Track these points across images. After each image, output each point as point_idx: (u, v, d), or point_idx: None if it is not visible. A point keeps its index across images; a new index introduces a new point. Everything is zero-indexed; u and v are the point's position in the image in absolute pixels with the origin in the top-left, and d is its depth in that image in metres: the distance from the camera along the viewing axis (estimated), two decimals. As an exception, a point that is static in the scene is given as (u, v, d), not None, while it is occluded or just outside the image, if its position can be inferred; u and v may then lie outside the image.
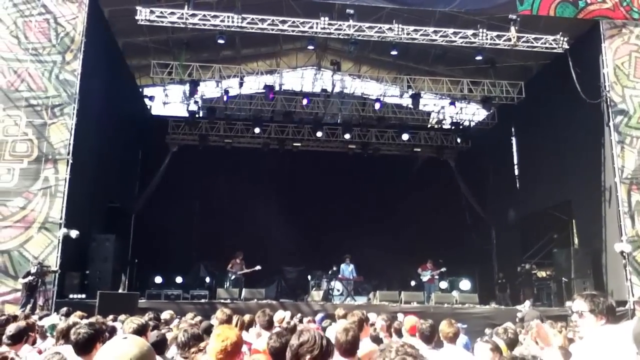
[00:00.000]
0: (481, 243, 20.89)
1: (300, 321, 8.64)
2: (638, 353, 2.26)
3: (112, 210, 17.04)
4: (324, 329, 7.81)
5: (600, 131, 14.66)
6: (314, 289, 16.42)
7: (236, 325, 6.10)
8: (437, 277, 16.92)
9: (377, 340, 5.86)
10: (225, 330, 3.38)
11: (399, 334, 7.20)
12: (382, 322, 7.20)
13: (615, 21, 14.81)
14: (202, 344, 3.79)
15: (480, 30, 14.80)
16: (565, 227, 17.31)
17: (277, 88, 19.81)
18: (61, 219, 12.59)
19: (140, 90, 20.86)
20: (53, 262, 12.29)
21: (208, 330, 5.42)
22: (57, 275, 12.25)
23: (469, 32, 14.89)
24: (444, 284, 17.15)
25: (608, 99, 14.38)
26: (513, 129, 20.44)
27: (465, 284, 17.51)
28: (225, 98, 19.25)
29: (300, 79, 22.32)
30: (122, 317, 7.60)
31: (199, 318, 8.04)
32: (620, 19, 14.83)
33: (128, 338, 1.89)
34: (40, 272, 11.76)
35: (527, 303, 12.28)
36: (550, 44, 14.90)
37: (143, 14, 13.96)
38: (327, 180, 21.24)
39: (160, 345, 4.26)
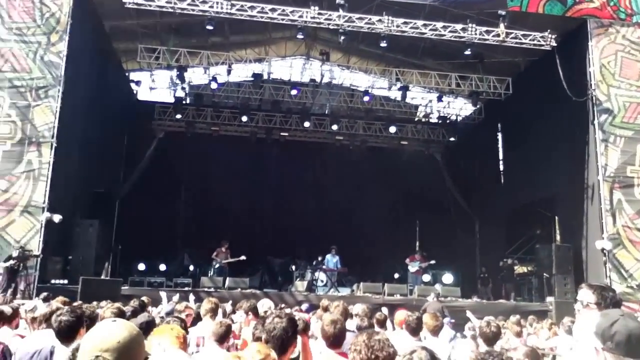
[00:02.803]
0: (465, 237, 21.04)
1: (281, 309, 8.66)
2: (603, 348, 2.18)
3: (96, 196, 16.83)
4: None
5: (585, 129, 14.80)
6: (297, 279, 16.43)
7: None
8: (424, 268, 17.07)
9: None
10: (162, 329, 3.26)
11: (381, 325, 7.25)
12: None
13: (602, 20, 14.92)
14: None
15: (470, 25, 14.85)
16: (548, 223, 17.48)
17: (265, 77, 19.68)
18: (44, 203, 12.42)
19: (127, 74, 20.56)
20: (35, 246, 12.14)
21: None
22: (39, 260, 12.11)
23: (458, 26, 14.93)
24: (427, 277, 17.28)
25: (593, 98, 14.49)
26: (499, 125, 20.58)
27: (448, 277, 17.64)
28: (214, 85, 19.07)
29: (289, 68, 22.21)
30: (103, 303, 7.54)
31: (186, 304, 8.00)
32: (607, 19, 14.94)
33: (117, 321, 1.87)
34: (22, 257, 11.62)
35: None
36: (538, 41, 15.01)
37: (131, -3, 13.78)
38: (314, 171, 21.23)
39: (148, 329, 4.22)
